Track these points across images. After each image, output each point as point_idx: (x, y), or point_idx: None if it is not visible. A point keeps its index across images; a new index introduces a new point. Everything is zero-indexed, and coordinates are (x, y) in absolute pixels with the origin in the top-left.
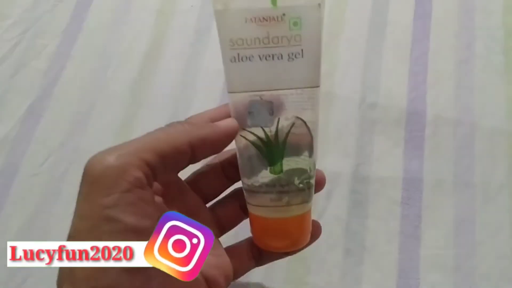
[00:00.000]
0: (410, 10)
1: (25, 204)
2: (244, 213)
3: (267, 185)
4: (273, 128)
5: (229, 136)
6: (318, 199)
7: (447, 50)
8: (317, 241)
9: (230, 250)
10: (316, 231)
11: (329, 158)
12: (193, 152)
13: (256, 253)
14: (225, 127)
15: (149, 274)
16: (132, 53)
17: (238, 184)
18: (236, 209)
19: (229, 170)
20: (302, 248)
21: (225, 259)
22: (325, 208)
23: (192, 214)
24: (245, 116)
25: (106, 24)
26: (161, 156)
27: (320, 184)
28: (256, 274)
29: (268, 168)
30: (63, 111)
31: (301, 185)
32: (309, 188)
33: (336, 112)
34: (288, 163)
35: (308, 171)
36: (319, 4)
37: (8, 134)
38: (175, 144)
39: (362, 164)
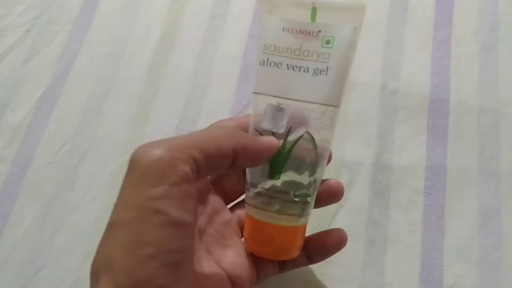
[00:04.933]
0: None
1: (39, 193)
2: None
3: (262, 187)
4: (283, 136)
5: (270, 152)
6: None
7: (470, 35)
8: None
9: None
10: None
11: (349, 147)
12: (234, 158)
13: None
14: (267, 142)
15: (185, 272)
16: (147, 39)
17: None
18: None
19: None
20: (290, 261)
21: (249, 262)
22: (346, 198)
23: (216, 212)
24: (261, 117)
25: (120, 9)
26: (206, 155)
27: (335, 195)
28: None
29: (268, 172)
30: (77, 99)
31: (296, 199)
32: (304, 203)
33: (357, 99)
34: (288, 174)
35: (306, 187)
36: (355, 28)
37: (22, 122)
38: (219, 146)
39: (383, 153)
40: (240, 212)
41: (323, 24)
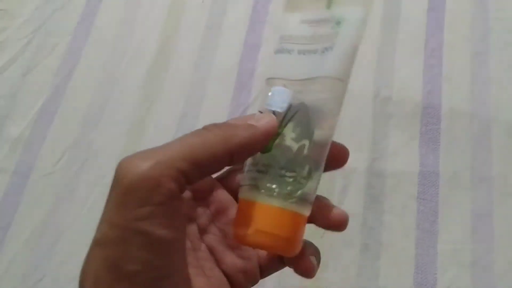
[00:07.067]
0: (424, 2)
1: (40, 203)
2: None
3: (251, 164)
4: (283, 113)
5: (269, 135)
6: (333, 194)
7: (462, 43)
8: (333, 236)
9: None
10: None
11: None
12: (231, 158)
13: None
14: (265, 127)
15: (172, 284)
16: (144, 50)
17: None
18: None
19: None
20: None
21: (253, 263)
22: (340, 203)
23: (222, 211)
24: (266, 100)
25: (117, 21)
26: (197, 165)
27: (342, 158)
28: None
29: None
30: (76, 109)
31: (286, 176)
32: (295, 179)
33: (350, 107)
34: (282, 151)
35: (299, 166)
36: (365, 9)
37: (22, 133)
38: (212, 152)
39: (377, 159)
40: None
41: (336, 9)
